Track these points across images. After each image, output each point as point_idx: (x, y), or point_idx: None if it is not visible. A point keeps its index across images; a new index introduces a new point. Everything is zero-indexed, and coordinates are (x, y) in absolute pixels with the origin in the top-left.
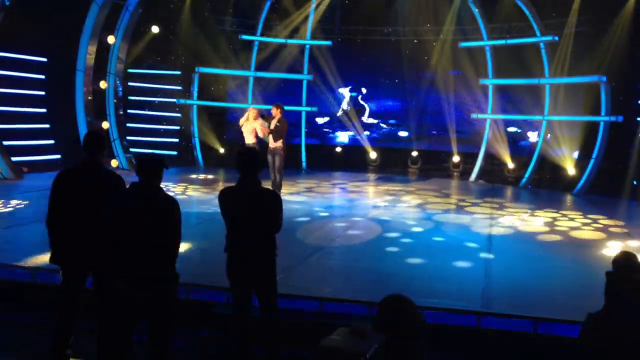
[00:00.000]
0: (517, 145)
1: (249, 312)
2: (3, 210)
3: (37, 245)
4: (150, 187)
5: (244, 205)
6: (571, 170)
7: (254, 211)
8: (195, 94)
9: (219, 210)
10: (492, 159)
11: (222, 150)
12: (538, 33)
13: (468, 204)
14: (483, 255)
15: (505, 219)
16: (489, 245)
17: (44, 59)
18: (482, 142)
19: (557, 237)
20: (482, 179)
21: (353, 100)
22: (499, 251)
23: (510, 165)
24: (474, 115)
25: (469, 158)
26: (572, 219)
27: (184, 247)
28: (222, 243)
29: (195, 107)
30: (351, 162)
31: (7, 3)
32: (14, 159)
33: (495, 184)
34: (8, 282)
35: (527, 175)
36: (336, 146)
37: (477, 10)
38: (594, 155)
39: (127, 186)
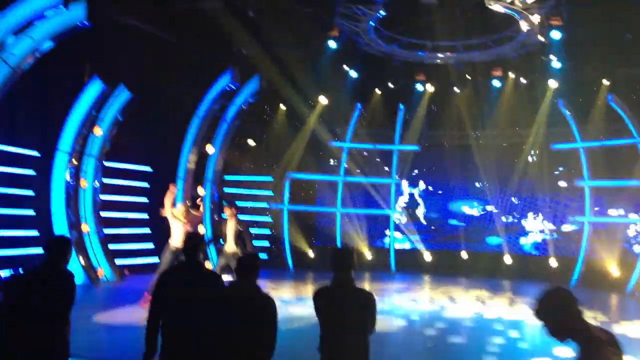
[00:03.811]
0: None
1: None
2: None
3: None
4: (247, 285)
5: (339, 304)
6: None
7: (349, 310)
8: (286, 199)
9: (311, 312)
10: (592, 263)
11: (311, 255)
12: (635, 134)
13: None
14: None
15: (612, 327)
16: None
17: (149, 169)
18: (581, 246)
19: None
20: (582, 284)
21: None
22: None
23: (615, 272)
24: (571, 218)
25: (567, 262)
26: None
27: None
28: (315, 344)
29: (286, 211)
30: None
31: (120, 119)
32: (117, 261)
33: (597, 290)
34: None
35: (633, 282)
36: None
37: (568, 112)
38: None
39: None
